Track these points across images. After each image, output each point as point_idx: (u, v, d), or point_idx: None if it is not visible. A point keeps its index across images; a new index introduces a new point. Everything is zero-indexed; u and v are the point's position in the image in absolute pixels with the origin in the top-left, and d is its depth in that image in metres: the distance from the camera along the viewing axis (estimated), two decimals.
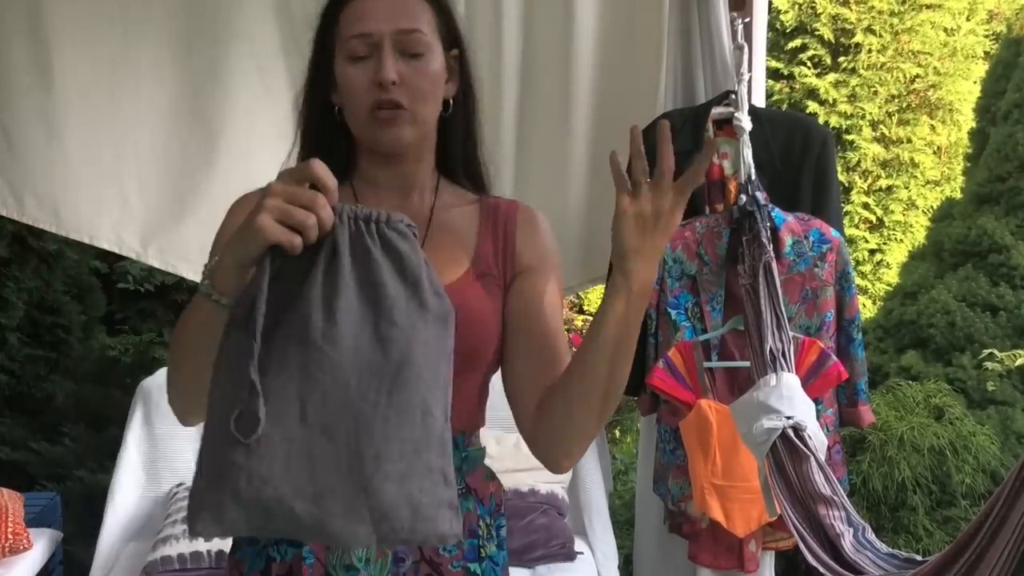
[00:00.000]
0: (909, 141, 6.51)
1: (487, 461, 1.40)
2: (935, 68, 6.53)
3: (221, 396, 1.03)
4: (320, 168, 1.06)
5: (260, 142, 3.07)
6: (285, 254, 1.03)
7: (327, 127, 1.35)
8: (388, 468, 1.00)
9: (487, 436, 1.44)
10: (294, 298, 1.03)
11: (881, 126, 6.52)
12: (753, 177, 2.50)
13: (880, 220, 6.53)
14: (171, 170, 3.06)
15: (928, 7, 6.49)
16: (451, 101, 1.36)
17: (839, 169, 5.91)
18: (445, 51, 1.34)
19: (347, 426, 1.00)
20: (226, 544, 2.68)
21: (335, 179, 1.07)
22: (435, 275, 1.08)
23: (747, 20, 2.70)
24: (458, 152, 1.40)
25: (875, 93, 6.48)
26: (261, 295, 1.03)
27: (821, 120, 6.25)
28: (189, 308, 1.17)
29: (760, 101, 2.85)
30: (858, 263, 6.36)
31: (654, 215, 1.15)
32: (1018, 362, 3.38)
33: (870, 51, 6.48)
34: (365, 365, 1.01)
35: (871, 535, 1.91)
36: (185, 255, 3.13)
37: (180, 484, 2.99)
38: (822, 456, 2.04)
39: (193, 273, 3.16)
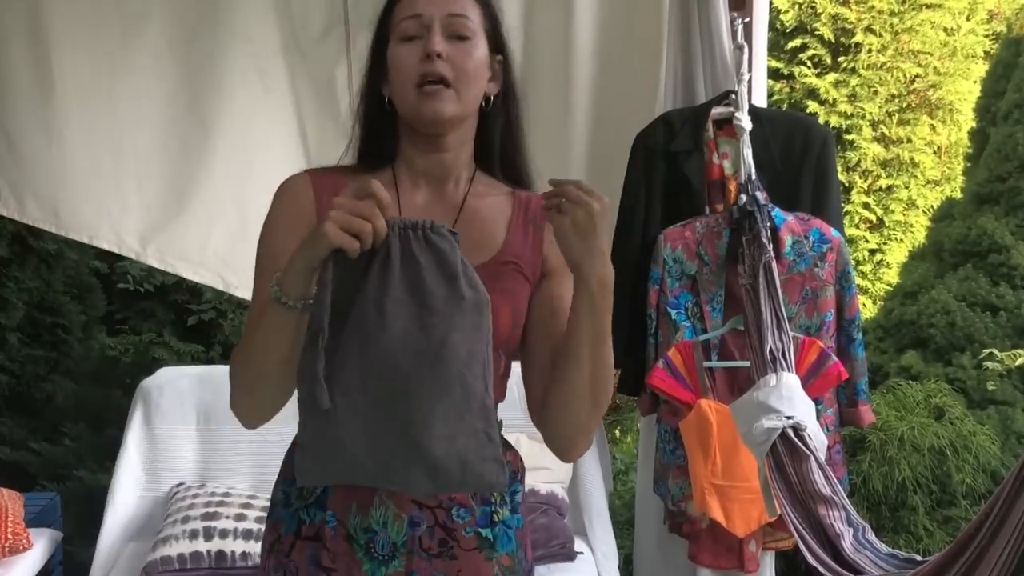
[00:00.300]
0: (909, 141, 6.50)
1: None
2: (935, 68, 6.52)
3: (302, 380, 1.24)
4: (378, 187, 1.22)
5: (259, 141, 3.07)
6: (347, 260, 1.22)
7: (378, 117, 1.46)
8: (436, 431, 1.21)
9: None
10: (355, 296, 1.24)
11: (881, 126, 6.51)
12: (753, 177, 2.50)
13: (880, 220, 6.52)
14: (170, 170, 3.06)
15: (928, 7, 6.48)
16: (492, 98, 1.47)
17: (839, 169, 5.90)
18: (491, 52, 1.45)
19: (400, 397, 1.21)
20: (225, 545, 2.70)
21: (390, 196, 1.24)
22: (472, 271, 1.26)
23: (747, 20, 2.70)
24: (496, 148, 1.50)
25: (875, 93, 6.47)
26: (327, 294, 1.22)
27: (821, 120, 6.24)
28: (257, 318, 1.33)
29: (761, 101, 2.85)
30: (858, 263, 6.36)
31: (585, 218, 1.29)
32: (1018, 362, 3.37)
33: (870, 51, 6.47)
34: (411, 347, 1.21)
35: (871, 535, 1.91)
36: (184, 255, 3.13)
37: (180, 484, 2.99)
38: (822, 456, 2.04)
39: (192, 273, 3.16)
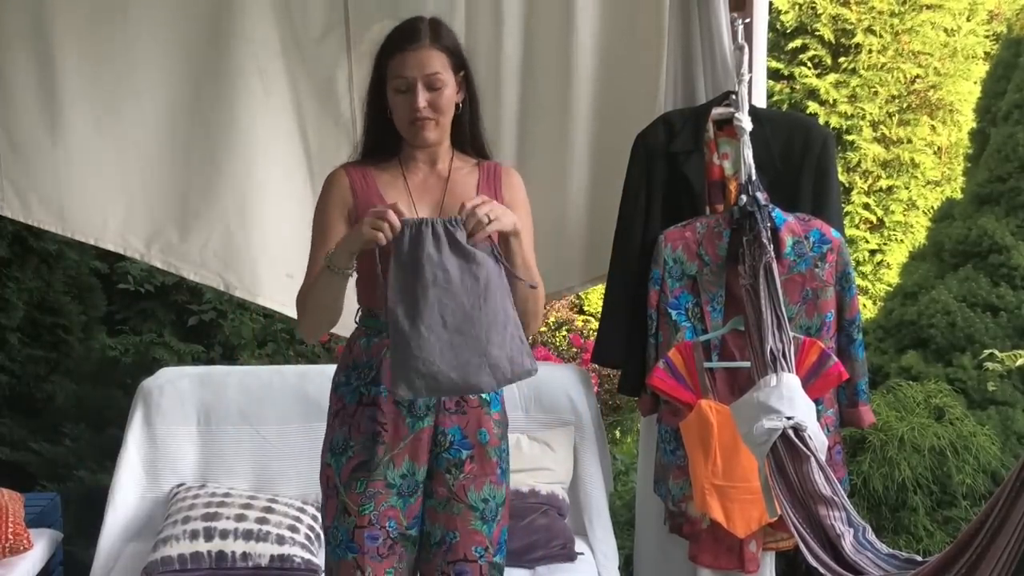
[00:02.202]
0: (909, 141, 6.49)
1: None
2: (935, 68, 6.51)
3: (393, 321, 1.89)
4: (396, 206, 1.89)
5: (259, 141, 3.07)
6: (410, 246, 1.87)
7: (383, 124, 2.10)
8: (494, 341, 1.88)
9: None
10: (421, 262, 1.87)
11: (881, 126, 6.50)
12: (754, 177, 2.50)
13: (880, 220, 6.51)
14: (171, 170, 3.07)
15: (928, 7, 6.47)
16: (460, 105, 2.09)
17: (839, 169, 5.89)
18: (455, 74, 2.05)
19: (468, 325, 1.87)
20: (225, 546, 2.70)
21: (404, 213, 1.89)
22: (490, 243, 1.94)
23: (747, 20, 2.71)
24: (466, 135, 2.14)
25: (875, 93, 6.46)
26: (389, 274, 1.90)
27: (821, 120, 6.23)
28: (317, 276, 2.00)
29: (760, 101, 2.85)
30: (858, 263, 6.35)
31: (485, 208, 1.90)
32: (1019, 362, 3.37)
33: (870, 51, 6.46)
34: (469, 290, 1.87)
35: (871, 536, 1.91)
36: (186, 255, 3.13)
37: (180, 484, 2.99)
38: (822, 457, 2.04)
39: (193, 273, 3.16)
